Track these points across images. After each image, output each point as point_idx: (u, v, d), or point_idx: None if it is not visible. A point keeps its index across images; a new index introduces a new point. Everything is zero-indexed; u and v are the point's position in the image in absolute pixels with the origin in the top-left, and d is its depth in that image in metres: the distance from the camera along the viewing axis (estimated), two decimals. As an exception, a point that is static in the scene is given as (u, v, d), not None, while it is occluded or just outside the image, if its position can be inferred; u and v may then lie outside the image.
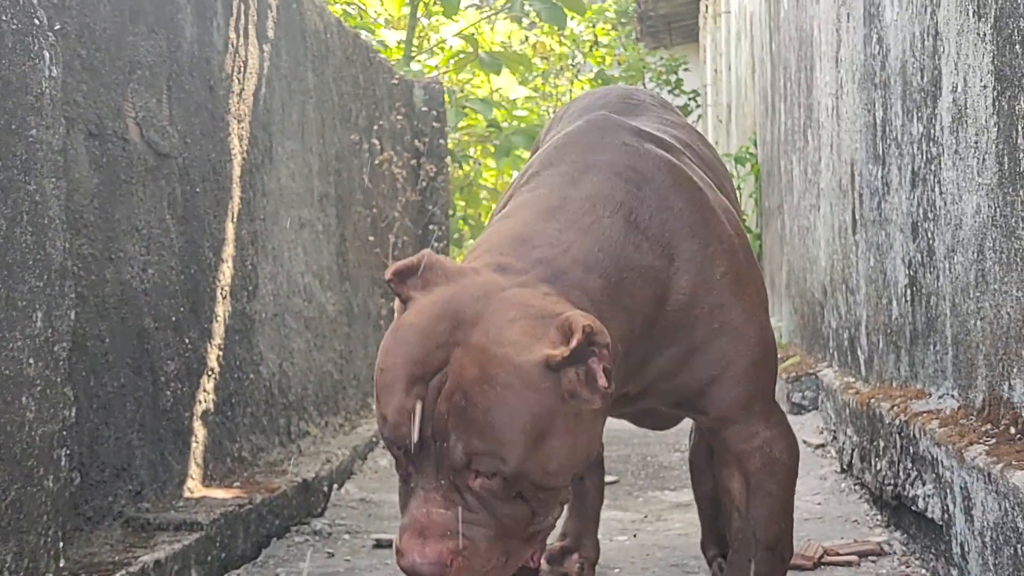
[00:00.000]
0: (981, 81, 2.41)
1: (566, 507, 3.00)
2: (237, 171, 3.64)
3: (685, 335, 2.08)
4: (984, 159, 2.40)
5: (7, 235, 2.11)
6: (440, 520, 1.74)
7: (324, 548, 3.23)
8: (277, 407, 3.95)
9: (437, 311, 1.80)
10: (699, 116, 14.69)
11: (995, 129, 2.31)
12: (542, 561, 2.86)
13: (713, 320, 2.10)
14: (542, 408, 1.73)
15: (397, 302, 1.88)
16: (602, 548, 2.98)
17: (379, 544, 3.25)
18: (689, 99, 14.44)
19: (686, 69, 14.98)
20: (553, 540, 2.96)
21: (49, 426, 2.22)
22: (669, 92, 14.41)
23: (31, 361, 2.16)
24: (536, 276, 1.88)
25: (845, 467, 3.97)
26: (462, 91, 9.17)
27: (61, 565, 2.27)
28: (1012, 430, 2.25)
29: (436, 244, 6.64)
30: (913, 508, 2.82)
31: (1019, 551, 1.93)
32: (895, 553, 2.98)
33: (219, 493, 3.12)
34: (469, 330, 1.76)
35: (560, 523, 3.02)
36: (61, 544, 2.27)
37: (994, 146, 2.32)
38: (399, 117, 6.26)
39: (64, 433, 2.28)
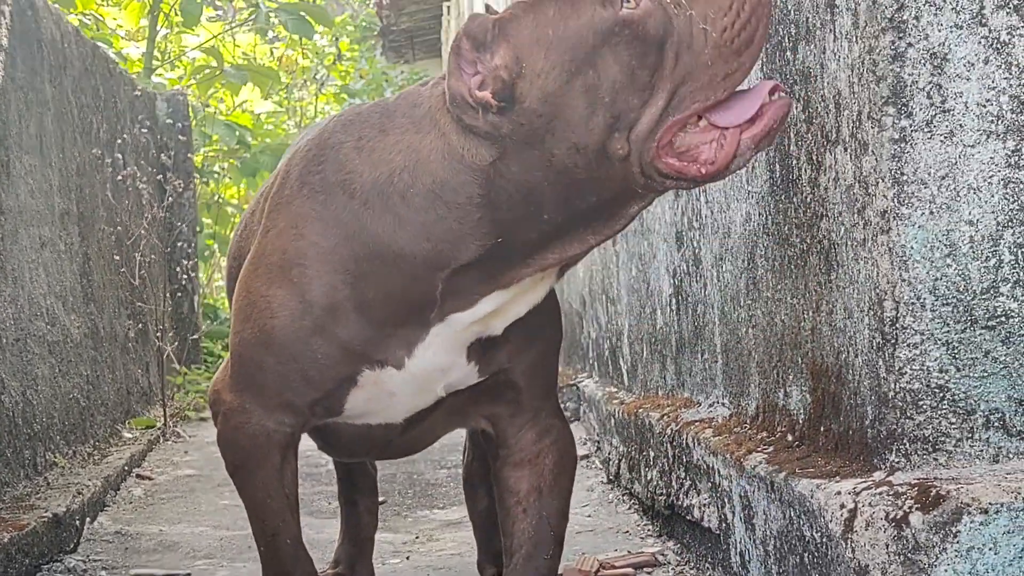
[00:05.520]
0: (749, 89, 2.42)
1: (339, 533, 2.92)
2: (-27, 188, 3.41)
3: None
4: (754, 167, 2.41)
5: None
6: None
7: (79, 587, 3.05)
8: (21, 438, 3.72)
9: None
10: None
11: (765, 137, 2.32)
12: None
13: None
14: None
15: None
16: (376, 572, 2.89)
17: (138, 580, 3.08)
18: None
19: (428, 83, 15.04)
20: (326, 567, 2.86)
21: None
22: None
23: None
24: None
25: (612, 477, 3.98)
26: (207, 106, 8.94)
27: None
28: (789, 437, 2.26)
29: (184, 262, 6.43)
30: (688, 517, 2.82)
31: (805, 559, 1.93)
32: (670, 563, 2.98)
33: (-38, 533, 2.90)
34: None
35: (333, 550, 2.94)
36: None
37: (765, 153, 2.33)
38: (142, 131, 6.04)
39: None
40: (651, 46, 1.79)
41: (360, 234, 2.00)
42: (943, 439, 1.79)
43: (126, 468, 4.54)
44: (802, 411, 2.20)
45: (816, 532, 1.88)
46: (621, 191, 1.86)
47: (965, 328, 1.79)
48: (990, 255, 1.79)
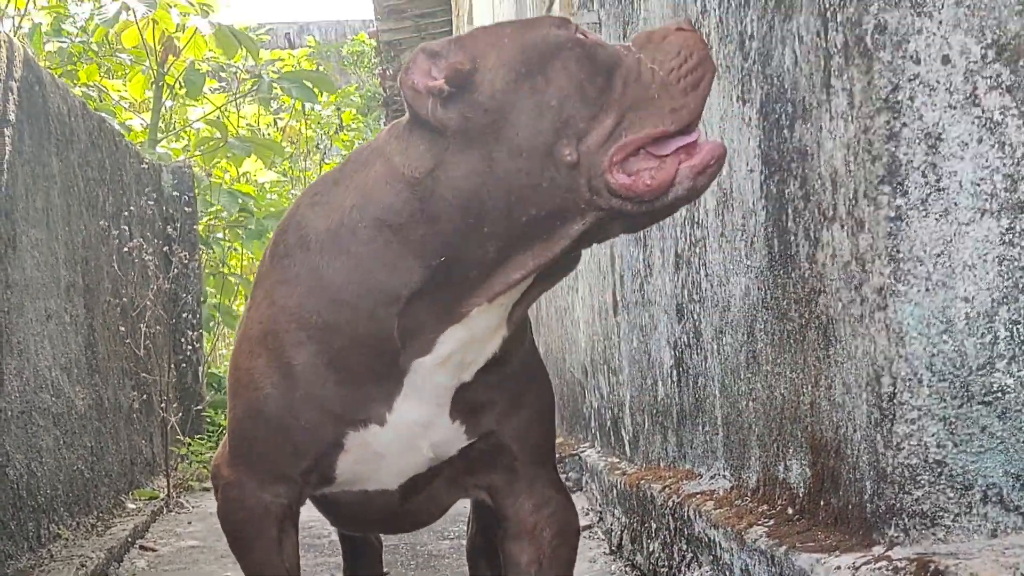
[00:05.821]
0: (747, 165, 2.45)
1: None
2: (-20, 262, 3.45)
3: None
4: (752, 242, 2.44)
5: None
6: None
7: (81, 661, 3.04)
8: (26, 510, 3.73)
9: None
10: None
11: (763, 212, 2.36)
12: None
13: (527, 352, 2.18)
14: None
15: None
16: (378, 645, 2.89)
17: (141, 653, 3.08)
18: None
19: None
20: (328, 640, 2.86)
21: None
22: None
23: None
24: None
25: (614, 548, 3.97)
26: (210, 175, 9.00)
27: None
28: (790, 510, 2.27)
29: (189, 332, 6.46)
30: (690, 590, 2.82)
31: (807, 633, 1.94)
32: (672, 635, 2.98)
33: (-35, 607, 2.91)
34: None
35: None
36: None
37: (763, 229, 2.36)
38: (148, 203, 6.08)
39: None
40: (600, 68, 1.85)
41: (318, 285, 2.02)
42: (941, 514, 1.81)
43: (129, 540, 4.54)
44: (802, 485, 2.21)
45: (817, 607, 1.89)
46: (562, 205, 1.86)
47: (962, 404, 1.81)
48: (986, 331, 1.82)
